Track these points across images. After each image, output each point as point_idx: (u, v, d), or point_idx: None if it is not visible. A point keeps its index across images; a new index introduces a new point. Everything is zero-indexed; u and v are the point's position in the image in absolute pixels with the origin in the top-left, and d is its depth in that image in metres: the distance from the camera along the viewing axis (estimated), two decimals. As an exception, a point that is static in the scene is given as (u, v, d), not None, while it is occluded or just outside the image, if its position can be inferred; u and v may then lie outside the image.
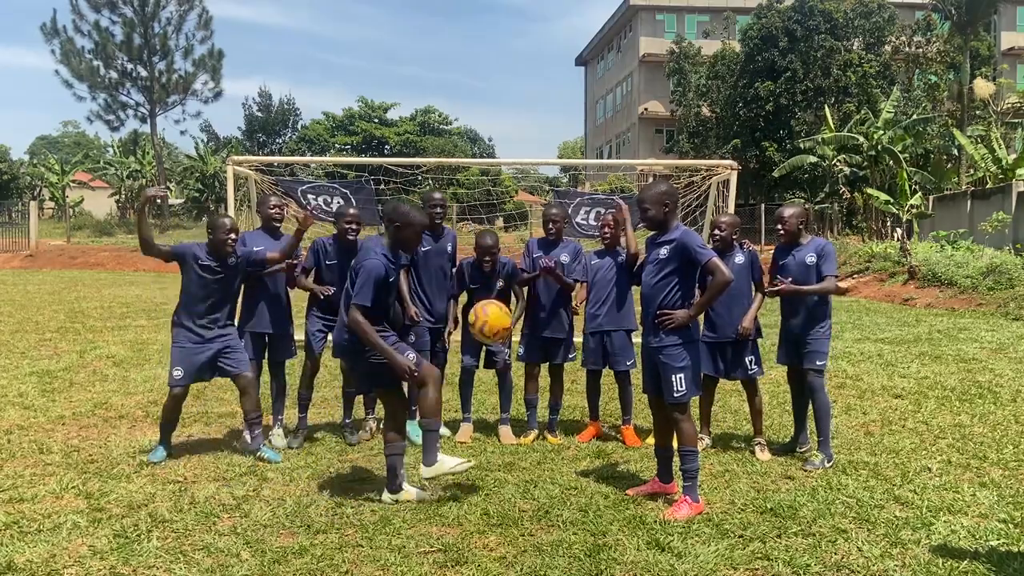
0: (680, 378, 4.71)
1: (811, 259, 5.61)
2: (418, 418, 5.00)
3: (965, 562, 3.96)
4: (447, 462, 4.81)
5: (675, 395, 4.73)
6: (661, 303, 4.75)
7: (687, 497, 4.68)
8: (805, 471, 5.39)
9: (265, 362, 6.24)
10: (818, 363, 5.62)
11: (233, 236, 5.60)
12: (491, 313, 5.45)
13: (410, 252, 4.98)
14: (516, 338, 6.53)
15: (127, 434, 6.36)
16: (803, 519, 4.54)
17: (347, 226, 6.07)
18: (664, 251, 4.78)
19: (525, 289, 6.41)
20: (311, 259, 6.14)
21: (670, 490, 4.96)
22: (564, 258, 6.25)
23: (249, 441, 5.74)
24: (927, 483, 5.16)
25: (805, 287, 5.57)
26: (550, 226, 6.31)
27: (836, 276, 5.65)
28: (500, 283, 6.24)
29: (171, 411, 5.63)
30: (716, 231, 5.82)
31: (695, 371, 4.79)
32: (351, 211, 6.20)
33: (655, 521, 4.49)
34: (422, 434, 4.88)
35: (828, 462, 5.48)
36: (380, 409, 6.59)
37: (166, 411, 5.65)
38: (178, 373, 5.54)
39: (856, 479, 5.25)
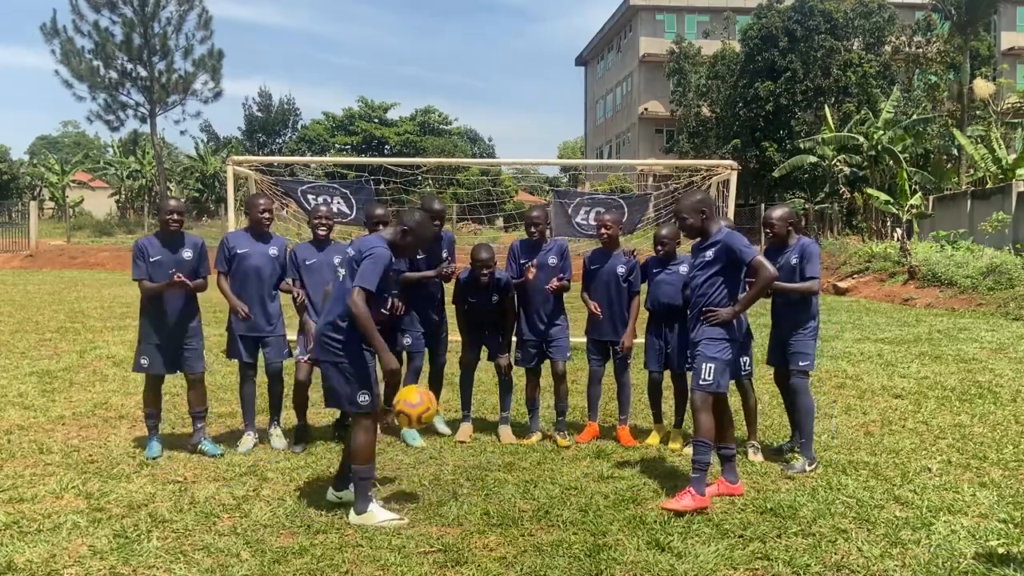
0: (711, 367, 4.83)
1: (795, 260, 5.60)
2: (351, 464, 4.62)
3: (965, 562, 3.96)
4: (378, 515, 4.46)
5: (701, 383, 4.85)
6: (708, 302, 4.91)
7: (691, 489, 4.70)
8: (785, 474, 5.37)
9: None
10: (801, 364, 5.59)
11: (176, 216, 5.71)
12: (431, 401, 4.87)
13: (402, 258, 4.90)
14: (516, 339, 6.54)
15: (127, 434, 6.36)
16: (803, 519, 4.54)
17: (317, 221, 6.14)
18: (710, 253, 4.94)
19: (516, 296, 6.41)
20: (291, 270, 6.09)
21: (736, 491, 4.98)
22: (552, 260, 6.20)
23: (197, 435, 5.86)
24: (927, 483, 5.16)
25: (787, 284, 5.55)
26: (532, 228, 6.28)
27: (817, 278, 5.63)
28: (495, 297, 6.25)
29: (148, 398, 5.80)
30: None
31: (727, 367, 4.92)
32: (322, 209, 6.24)
33: (655, 521, 4.49)
34: (353, 482, 4.55)
35: (809, 465, 5.44)
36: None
37: (144, 397, 5.84)
38: (145, 361, 5.72)
39: (856, 479, 5.25)
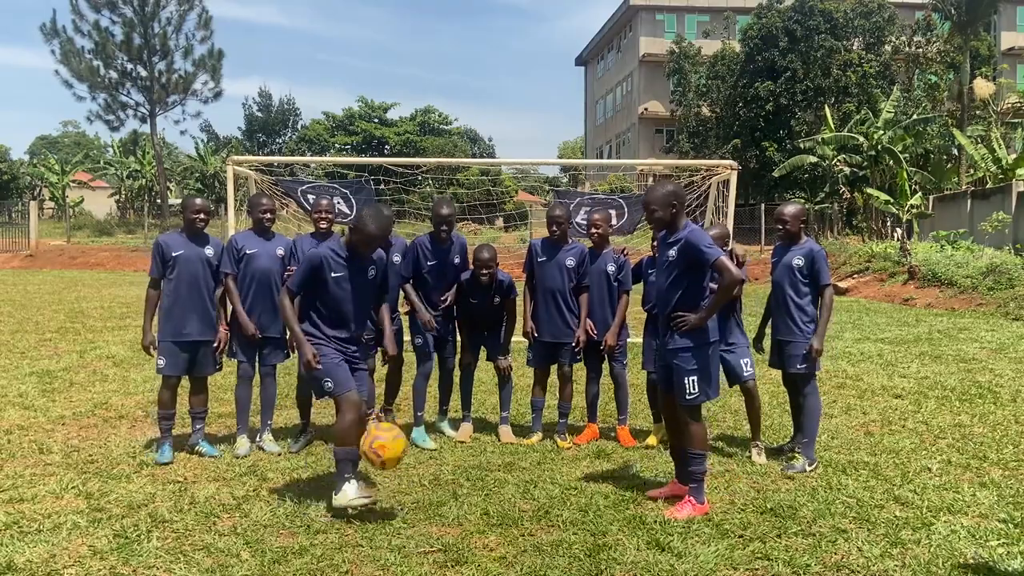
0: (692, 380, 4.68)
1: (797, 262, 5.58)
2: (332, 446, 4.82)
3: (965, 562, 3.96)
4: (349, 492, 4.54)
5: (687, 398, 4.71)
6: (674, 304, 4.73)
7: (691, 498, 4.66)
8: (785, 474, 5.36)
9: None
10: (798, 366, 5.59)
11: (202, 216, 5.73)
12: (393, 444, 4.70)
13: (364, 254, 4.88)
14: (517, 339, 6.54)
15: (127, 434, 6.36)
16: (803, 519, 4.53)
17: (318, 216, 6.11)
18: (673, 252, 4.73)
19: (519, 300, 6.40)
20: (290, 261, 6.06)
21: (681, 491, 4.91)
22: (569, 262, 6.15)
23: (195, 436, 5.88)
24: (927, 483, 5.16)
25: (821, 328, 5.52)
26: (554, 227, 6.21)
27: (830, 284, 5.62)
28: (497, 299, 6.26)
29: (164, 399, 5.76)
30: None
31: (710, 373, 4.75)
32: (323, 203, 6.22)
33: (655, 521, 4.49)
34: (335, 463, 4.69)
35: (809, 465, 5.43)
36: (376, 409, 6.61)
37: (159, 399, 5.80)
38: (162, 362, 5.69)
39: (856, 479, 5.25)
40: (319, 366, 4.66)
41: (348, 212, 9.91)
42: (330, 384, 4.70)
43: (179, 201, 49.06)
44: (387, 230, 4.86)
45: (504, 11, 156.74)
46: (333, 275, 4.73)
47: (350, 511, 4.53)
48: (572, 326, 6.18)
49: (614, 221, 10.33)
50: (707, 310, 4.68)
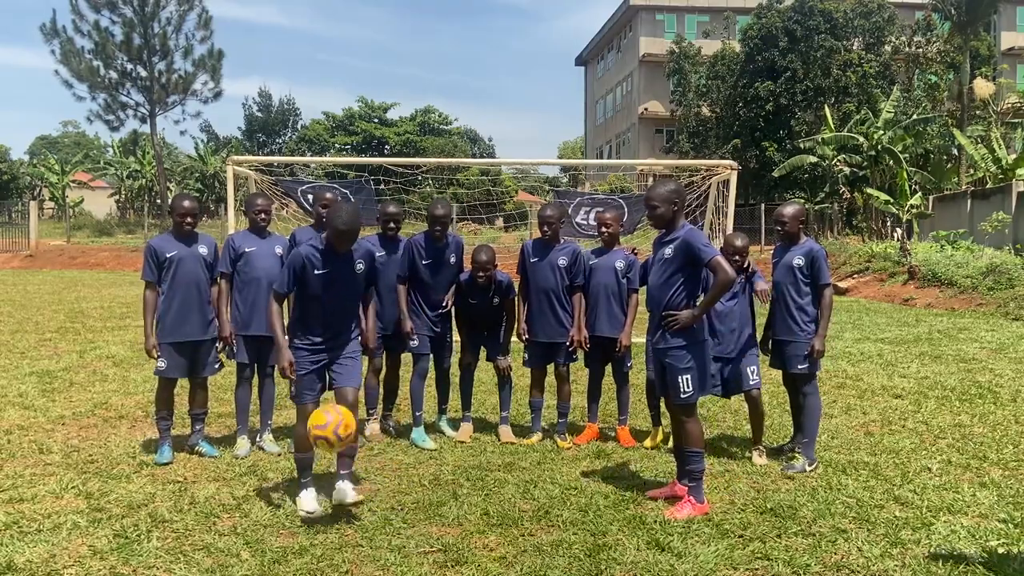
0: (686, 379, 4.67)
1: (797, 261, 5.57)
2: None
3: (965, 562, 3.96)
4: (304, 503, 4.60)
5: (681, 396, 4.70)
6: (667, 303, 4.72)
7: (691, 498, 4.66)
8: (785, 474, 5.35)
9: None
10: (799, 367, 5.58)
11: (189, 219, 5.66)
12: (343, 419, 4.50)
13: (339, 250, 4.84)
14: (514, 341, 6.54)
15: (127, 434, 6.36)
16: (803, 519, 4.54)
17: (322, 209, 6.09)
18: (669, 250, 4.74)
19: (517, 301, 6.39)
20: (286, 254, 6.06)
21: (680, 492, 4.89)
22: (561, 261, 6.15)
23: (195, 436, 5.88)
24: (927, 483, 5.16)
25: (822, 328, 5.52)
26: (545, 227, 6.20)
27: (830, 284, 5.61)
28: (496, 299, 6.26)
29: (161, 400, 5.75)
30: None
31: (702, 372, 4.74)
32: (327, 195, 6.19)
33: (655, 521, 4.49)
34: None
35: (809, 465, 5.43)
36: (378, 411, 6.61)
37: (157, 399, 5.78)
38: (163, 364, 5.66)
39: (856, 479, 5.25)
40: (292, 376, 4.75)
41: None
42: (293, 390, 4.85)
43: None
44: (353, 224, 4.75)
45: (504, 11, 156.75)
46: (316, 272, 4.76)
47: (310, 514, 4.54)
48: (567, 326, 6.17)
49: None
50: (701, 308, 4.69)
